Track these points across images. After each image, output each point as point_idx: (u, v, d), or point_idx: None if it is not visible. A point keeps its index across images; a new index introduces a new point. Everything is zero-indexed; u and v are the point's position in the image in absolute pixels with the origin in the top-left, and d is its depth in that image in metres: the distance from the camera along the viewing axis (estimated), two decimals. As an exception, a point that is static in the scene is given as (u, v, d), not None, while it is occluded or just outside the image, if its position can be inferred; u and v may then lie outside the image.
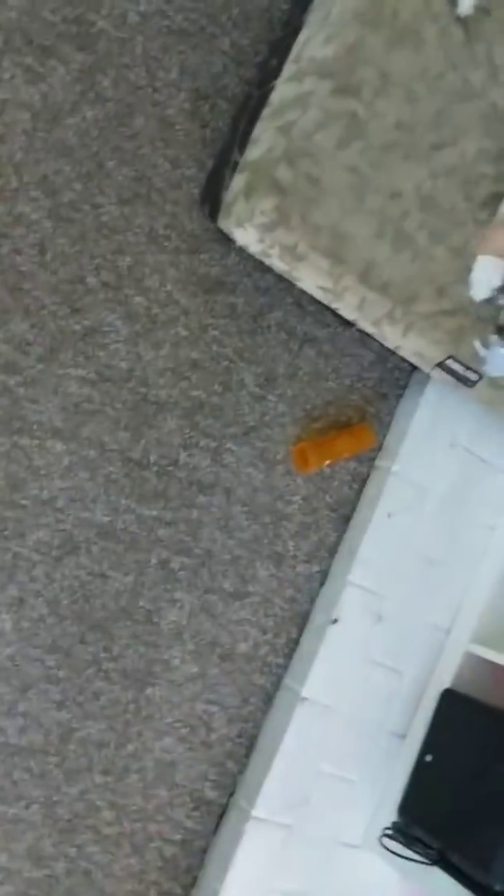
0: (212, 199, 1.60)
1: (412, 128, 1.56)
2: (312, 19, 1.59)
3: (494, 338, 1.65)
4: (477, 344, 1.65)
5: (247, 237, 1.50)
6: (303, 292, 1.67)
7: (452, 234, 1.61)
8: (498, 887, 1.61)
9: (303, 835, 1.82)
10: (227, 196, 1.53)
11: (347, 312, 1.63)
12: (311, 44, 1.54)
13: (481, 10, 1.59)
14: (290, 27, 1.63)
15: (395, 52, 1.52)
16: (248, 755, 1.84)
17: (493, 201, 1.65)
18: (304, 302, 1.76)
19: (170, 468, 1.69)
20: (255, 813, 1.77)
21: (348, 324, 1.73)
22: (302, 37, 1.59)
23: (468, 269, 1.64)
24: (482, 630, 1.92)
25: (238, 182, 1.51)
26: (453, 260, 1.62)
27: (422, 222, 1.58)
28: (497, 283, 1.64)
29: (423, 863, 1.71)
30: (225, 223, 1.53)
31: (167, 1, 1.58)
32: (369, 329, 1.67)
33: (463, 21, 1.58)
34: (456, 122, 1.61)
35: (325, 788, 1.85)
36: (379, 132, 1.52)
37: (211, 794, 1.81)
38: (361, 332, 1.72)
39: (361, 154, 1.50)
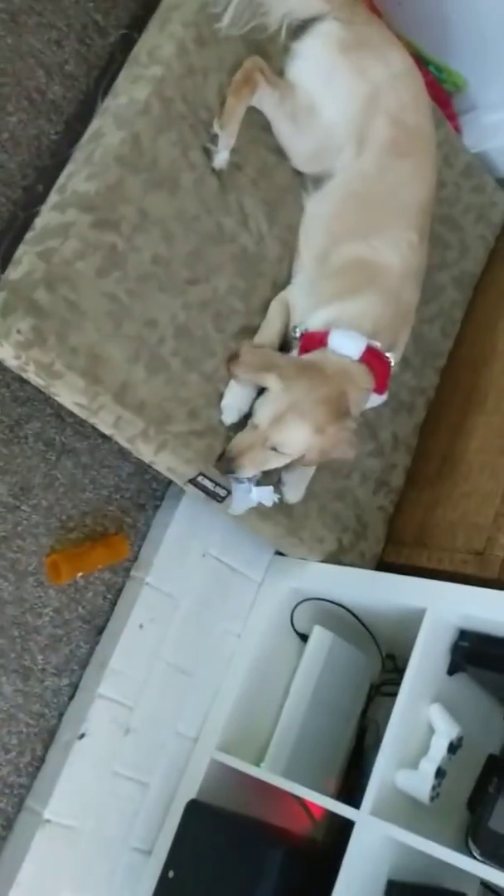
0: (-32, 312, 1.61)
1: (168, 263, 1.68)
2: (78, 155, 1.69)
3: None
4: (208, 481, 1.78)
5: (3, 353, 1.52)
6: (62, 405, 1.71)
7: (205, 361, 1.73)
8: None
9: None
10: (-17, 313, 1.55)
11: (104, 428, 1.69)
12: (75, 178, 1.64)
13: (234, 165, 1.78)
14: (58, 158, 1.72)
15: (154, 194, 1.65)
16: (-18, 888, 1.74)
17: (242, 334, 1.81)
18: (63, 413, 1.80)
19: None
20: None
21: (107, 436, 1.78)
22: (67, 170, 1.68)
23: (219, 395, 1.76)
24: (227, 738, 1.98)
25: (-4, 300, 1.54)
26: (205, 385, 1.74)
27: (175, 349, 1.68)
28: (245, 409, 1.78)
29: None
30: (-20, 338, 1.55)
31: None
32: (125, 445, 1.73)
33: (217, 172, 1.76)
34: (209, 261, 1.76)
35: (65, 918, 1.78)
36: (136, 265, 1.63)
37: None
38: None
39: (119, 283, 1.60)
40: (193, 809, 1.86)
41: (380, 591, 1.95)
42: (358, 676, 2.19)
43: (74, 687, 1.87)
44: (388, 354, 1.83)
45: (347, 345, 1.74)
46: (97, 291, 1.55)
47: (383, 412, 2.18)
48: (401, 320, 1.88)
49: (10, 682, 1.76)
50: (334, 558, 2.10)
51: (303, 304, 1.84)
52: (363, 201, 1.87)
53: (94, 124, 1.72)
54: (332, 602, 2.08)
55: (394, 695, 2.16)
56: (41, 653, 1.80)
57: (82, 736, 1.80)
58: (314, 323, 1.78)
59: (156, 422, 1.67)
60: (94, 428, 1.75)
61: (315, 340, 1.76)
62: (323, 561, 2.08)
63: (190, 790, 1.92)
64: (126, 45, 1.80)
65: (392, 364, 1.85)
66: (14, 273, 1.55)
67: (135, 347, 1.61)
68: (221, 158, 1.74)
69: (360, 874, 1.64)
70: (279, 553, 2.16)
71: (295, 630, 2.12)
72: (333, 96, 1.82)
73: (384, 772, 1.69)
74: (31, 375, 1.56)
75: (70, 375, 1.53)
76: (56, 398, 1.63)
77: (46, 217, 1.61)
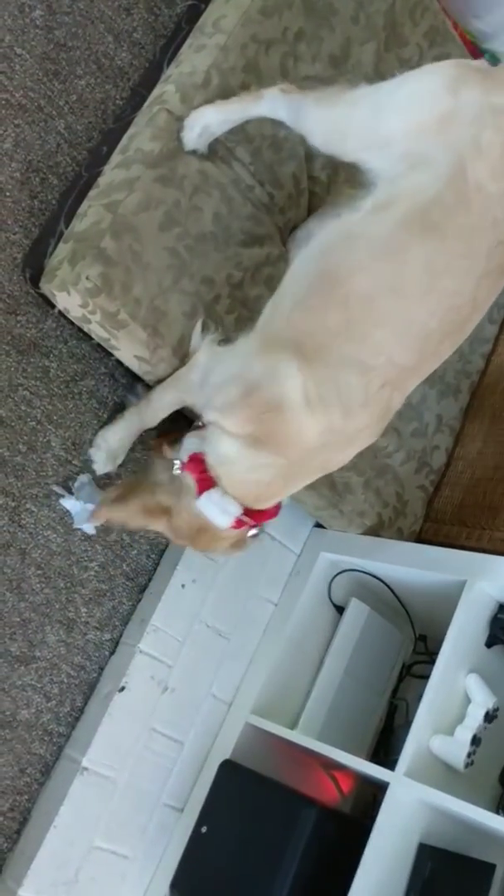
0: (34, 266, 1.65)
1: (227, 225, 1.72)
2: (140, 119, 1.73)
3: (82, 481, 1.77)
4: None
5: (69, 301, 1.57)
6: (117, 364, 1.75)
7: (256, 320, 1.76)
8: None
9: (72, 916, 1.76)
10: (52, 262, 1.59)
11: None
12: (139, 138, 1.68)
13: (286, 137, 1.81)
14: (122, 121, 1.76)
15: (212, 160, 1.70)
16: (20, 831, 1.77)
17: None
18: (116, 374, 1.83)
19: (-35, 524, 1.67)
20: (21, 892, 1.69)
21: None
22: (130, 132, 1.72)
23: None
24: (261, 703, 2.00)
25: (63, 250, 1.58)
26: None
27: (230, 308, 1.72)
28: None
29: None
30: (48, 286, 1.59)
31: (8, 77, 1.66)
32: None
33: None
34: (263, 228, 1.80)
35: (98, 865, 1.80)
36: (196, 222, 1.66)
37: (-24, 873, 1.71)
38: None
39: (179, 239, 1.63)
40: (228, 768, 1.89)
41: (421, 564, 1.97)
42: (391, 653, 2.20)
43: (115, 642, 1.90)
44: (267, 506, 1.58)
45: (217, 515, 1.53)
46: (159, 245, 1.59)
47: (429, 394, 2.20)
48: (303, 477, 1.59)
49: (55, 633, 1.79)
50: (373, 533, 2.11)
51: (203, 394, 1.57)
52: (350, 275, 1.42)
53: (158, 90, 1.76)
54: (369, 574, 2.10)
55: (424, 676, 2.18)
56: (85, 606, 1.84)
57: (122, 689, 1.83)
58: (195, 446, 1.56)
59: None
60: (146, 388, 1.79)
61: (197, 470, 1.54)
62: (362, 534, 2.10)
63: (223, 752, 1.94)
64: (192, 15, 1.84)
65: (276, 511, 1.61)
66: (80, 225, 1.59)
67: (192, 303, 1.65)
68: None
69: (392, 835, 1.65)
70: (318, 526, 2.18)
71: (332, 602, 2.14)
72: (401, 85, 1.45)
73: (420, 736, 1.70)
74: (95, 326, 1.60)
75: (133, 326, 1.57)
76: (115, 352, 1.66)
77: (111, 175, 1.65)
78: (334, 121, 1.51)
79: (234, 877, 1.75)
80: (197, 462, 1.54)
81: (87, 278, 1.52)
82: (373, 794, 2.07)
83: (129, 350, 1.64)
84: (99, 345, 1.70)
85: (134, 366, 1.70)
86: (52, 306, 1.66)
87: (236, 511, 1.54)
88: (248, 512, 1.56)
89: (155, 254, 1.60)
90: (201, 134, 1.65)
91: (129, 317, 1.58)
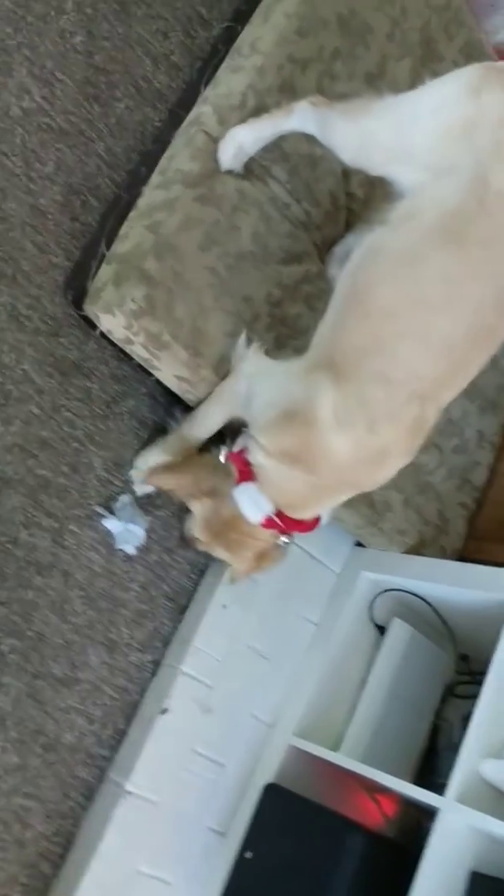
0: (76, 288, 1.66)
1: (265, 243, 1.72)
2: (178, 140, 1.74)
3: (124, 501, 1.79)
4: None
5: (114, 323, 1.57)
6: (156, 384, 1.75)
7: (297, 338, 1.75)
8: None
9: (116, 943, 1.74)
10: (95, 284, 1.60)
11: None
12: (178, 159, 1.69)
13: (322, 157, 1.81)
14: (160, 143, 1.77)
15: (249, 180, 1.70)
16: (64, 855, 1.75)
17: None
18: (156, 394, 1.83)
19: (8, 545, 1.66)
20: (67, 919, 1.68)
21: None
22: (168, 153, 1.73)
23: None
24: (303, 724, 1.97)
25: (106, 272, 1.59)
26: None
27: (269, 326, 1.71)
28: None
29: None
30: (91, 308, 1.60)
31: (49, 101, 1.68)
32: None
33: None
34: (301, 245, 1.79)
35: (142, 892, 1.78)
36: (235, 241, 1.66)
37: (21, 899, 1.70)
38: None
39: (219, 258, 1.64)
40: (272, 792, 1.86)
41: (463, 582, 1.94)
42: (433, 673, 2.17)
43: (156, 664, 1.89)
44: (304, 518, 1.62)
45: (249, 507, 1.58)
46: (200, 265, 1.59)
47: (470, 409, 2.18)
48: (335, 494, 1.61)
49: (97, 654, 1.78)
50: (414, 551, 2.09)
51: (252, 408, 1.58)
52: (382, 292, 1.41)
53: (195, 111, 1.77)
54: (411, 594, 2.07)
55: (466, 696, 2.14)
56: (127, 627, 1.83)
57: (165, 711, 1.81)
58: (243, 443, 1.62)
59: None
60: (185, 409, 1.78)
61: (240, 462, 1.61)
62: (403, 553, 2.07)
63: (265, 774, 1.91)
64: (229, 37, 1.85)
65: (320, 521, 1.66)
66: (122, 246, 1.60)
67: (232, 322, 1.64)
68: None
69: (444, 863, 1.61)
70: (359, 544, 2.16)
71: (373, 621, 2.12)
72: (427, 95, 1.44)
73: (469, 759, 1.66)
74: (137, 347, 1.60)
75: (175, 346, 1.57)
76: (156, 372, 1.66)
77: (150, 196, 1.66)
78: (360, 133, 1.50)
79: (280, 903, 1.72)
80: (244, 454, 1.59)
81: (132, 300, 1.52)
82: (417, 817, 2.03)
83: (170, 370, 1.64)
84: (140, 365, 1.70)
85: (174, 386, 1.70)
86: (94, 328, 1.66)
87: (268, 508, 1.57)
88: (281, 516, 1.57)
89: (196, 273, 1.60)
90: (236, 154, 1.66)
91: (171, 337, 1.58)
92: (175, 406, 1.81)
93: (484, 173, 1.32)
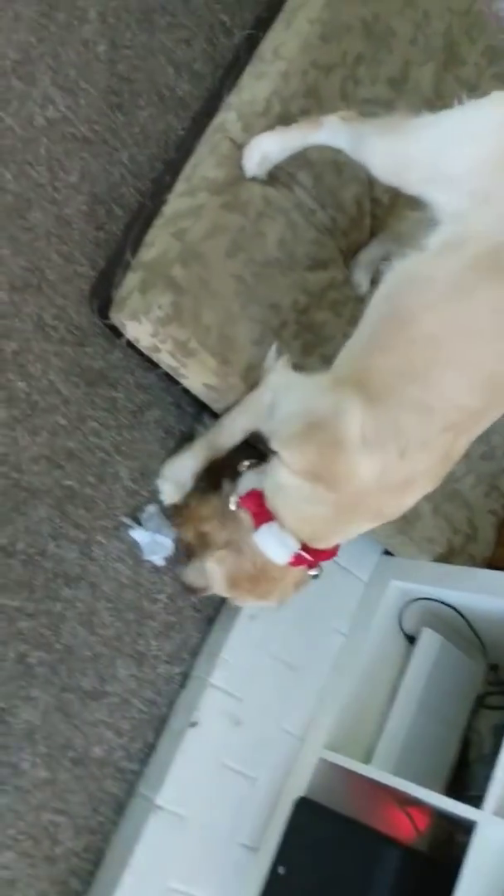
0: (101, 297, 1.65)
1: (292, 250, 1.70)
2: (203, 148, 1.73)
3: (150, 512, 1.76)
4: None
5: (140, 330, 1.56)
6: (183, 393, 1.74)
7: (324, 345, 1.73)
8: None
9: None
10: (121, 291, 1.59)
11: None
12: (203, 166, 1.68)
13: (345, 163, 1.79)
14: (184, 150, 1.76)
15: (274, 186, 1.69)
16: (94, 872, 1.73)
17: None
18: (183, 403, 1.81)
19: (37, 557, 1.65)
20: (98, 937, 1.65)
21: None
22: (192, 160, 1.73)
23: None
24: (333, 737, 1.94)
25: (132, 280, 1.58)
26: (324, 367, 1.74)
27: (296, 333, 1.69)
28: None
29: None
30: (118, 316, 1.59)
31: (73, 111, 1.68)
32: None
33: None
34: (326, 252, 1.78)
35: (174, 908, 1.75)
36: (261, 248, 1.65)
37: (51, 917, 1.67)
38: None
39: (245, 265, 1.62)
40: (304, 807, 1.83)
41: (495, 590, 1.90)
42: (464, 683, 2.13)
43: (184, 676, 1.86)
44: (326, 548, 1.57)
45: (275, 548, 1.52)
46: (226, 272, 1.58)
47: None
48: (358, 520, 1.55)
49: (126, 667, 1.76)
50: (443, 560, 2.06)
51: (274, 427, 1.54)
52: (426, 317, 1.38)
53: (219, 118, 1.76)
54: (441, 602, 2.04)
55: (497, 707, 2.11)
56: (155, 639, 1.81)
57: (194, 724, 1.78)
58: (254, 482, 1.57)
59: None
60: (212, 416, 1.77)
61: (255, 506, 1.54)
62: (432, 561, 2.04)
63: (297, 788, 1.88)
64: (251, 45, 1.84)
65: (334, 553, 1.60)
66: (148, 254, 1.59)
67: (259, 330, 1.63)
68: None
69: (482, 877, 1.58)
70: (387, 553, 2.13)
71: (403, 631, 2.09)
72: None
73: (507, 772, 1.63)
74: (164, 355, 1.59)
75: (203, 354, 1.55)
76: (183, 380, 1.65)
77: (176, 203, 1.64)
78: (396, 152, 1.48)
79: (314, 920, 1.69)
80: (255, 496, 1.53)
81: (158, 307, 1.51)
82: (449, 831, 1.99)
83: (197, 378, 1.62)
84: (166, 374, 1.69)
85: (202, 394, 1.68)
86: (120, 336, 1.65)
87: (294, 546, 1.51)
88: (307, 549, 1.53)
89: (222, 281, 1.59)
90: (261, 162, 1.65)
91: (198, 345, 1.56)
92: (203, 413, 1.79)
93: None
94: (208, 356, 1.56)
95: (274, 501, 1.51)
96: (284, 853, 1.79)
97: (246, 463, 1.64)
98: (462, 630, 2.09)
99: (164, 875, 1.74)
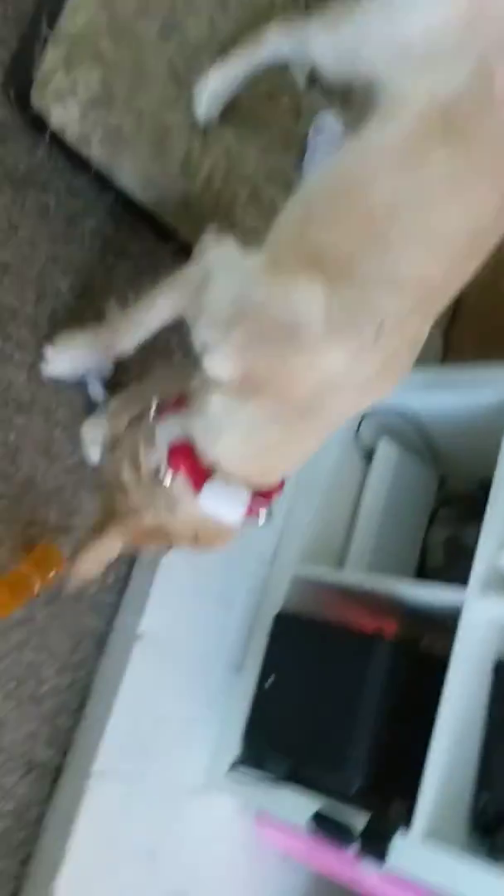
0: (18, 82, 1.46)
1: (221, 29, 1.55)
2: None
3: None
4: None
5: (66, 116, 1.39)
6: (117, 200, 1.59)
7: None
8: (353, 789, 1.60)
9: (148, 785, 1.68)
10: (42, 70, 1.40)
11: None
12: None
13: None
14: None
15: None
16: (81, 707, 1.67)
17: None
18: (116, 212, 1.66)
19: (-19, 383, 1.51)
20: (95, 768, 1.60)
21: (166, 237, 1.67)
22: None
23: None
24: (305, 555, 1.92)
25: (55, 55, 1.39)
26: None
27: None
28: None
29: (274, 782, 1.65)
30: (41, 100, 1.41)
31: None
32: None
33: None
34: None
35: (167, 732, 1.73)
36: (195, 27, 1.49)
37: (44, 754, 1.61)
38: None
39: (179, 48, 1.46)
40: (282, 621, 1.81)
41: (446, 384, 1.89)
42: (420, 496, 2.15)
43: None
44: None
45: (226, 510, 1.29)
46: (159, 54, 1.42)
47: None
48: (315, 428, 1.32)
49: (91, 500, 1.66)
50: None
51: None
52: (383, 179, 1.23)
53: None
54: (394, 412, 2.01)
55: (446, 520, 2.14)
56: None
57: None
58: (175, 431, 1.28)
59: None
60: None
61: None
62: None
63: (274, 606, 1.86)
64: None
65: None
66: (73, 23, 1.40)
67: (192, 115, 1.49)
68: None
69: (471, 657, 1.60)
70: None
71: (360, 447, 2.06)
72: None
73: (490, 552, 1.64)
74: (95, 147, 1.43)
75: (138, 141, 1.40)
76: (117, 178, 1.51)
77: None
78: (346, 40, 1.33)
79: (307, 718, 1.69)
80: (184, 452, 1.26)
81: (85, 85, 1.34)
82: (415, 637, 2.03)
83: (133, 171, 1.47)
84: (97, 177, 1.53)
85: (139, 192, 1.54)
86: (44, 131, 1.47)
87: (246, 497, 1.28)
88: (257, 494, 1.31)
89: (155, 64, 1.43)
90: (211, 102, 1.54)
91: (133, 130, 1.41)
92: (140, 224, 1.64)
93: (490, 70, 1.18)
94: (144, 143, 1.41)
95: (209, 446, 1.26)
96: (269, 666, 1.78)
97: (154, 406, 1.33)
98: (415, 442, 2.08)
99: (153, 702, 1.70)
